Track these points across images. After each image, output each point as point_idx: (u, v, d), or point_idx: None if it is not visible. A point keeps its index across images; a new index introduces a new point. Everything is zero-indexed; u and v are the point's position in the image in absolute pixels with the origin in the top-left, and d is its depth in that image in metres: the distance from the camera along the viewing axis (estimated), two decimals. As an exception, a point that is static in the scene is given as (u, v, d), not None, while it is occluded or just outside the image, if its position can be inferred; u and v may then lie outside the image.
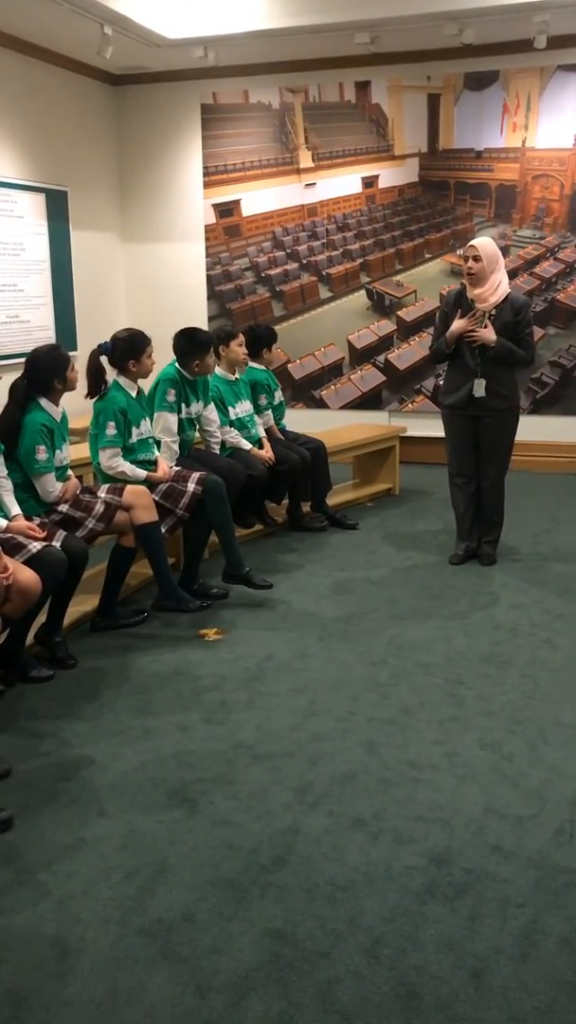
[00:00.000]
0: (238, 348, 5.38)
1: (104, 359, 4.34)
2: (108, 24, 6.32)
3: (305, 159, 7.90)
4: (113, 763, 3.08)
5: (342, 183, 7.87)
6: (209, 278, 8.28)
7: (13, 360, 6.61)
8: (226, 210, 8.16)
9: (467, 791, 2.88)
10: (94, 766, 3.06)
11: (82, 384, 4.15)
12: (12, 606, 3.23)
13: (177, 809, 2.80)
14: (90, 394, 4.31)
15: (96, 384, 4.29)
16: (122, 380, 4.39)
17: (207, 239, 8.24)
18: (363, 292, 7.98)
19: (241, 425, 5.44)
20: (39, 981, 2.10)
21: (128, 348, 4.36)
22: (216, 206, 8.17)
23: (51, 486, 3.89)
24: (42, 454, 3.82)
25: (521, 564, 5.16)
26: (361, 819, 2.74)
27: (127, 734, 3.28)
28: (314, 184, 7.93)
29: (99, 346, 4.34)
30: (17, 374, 3.98)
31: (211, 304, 8.31)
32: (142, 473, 4.37)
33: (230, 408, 5.37)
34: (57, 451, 3.91)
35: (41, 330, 7.24)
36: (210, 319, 8.25)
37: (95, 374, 4.28)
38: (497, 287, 4.78)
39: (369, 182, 7.81)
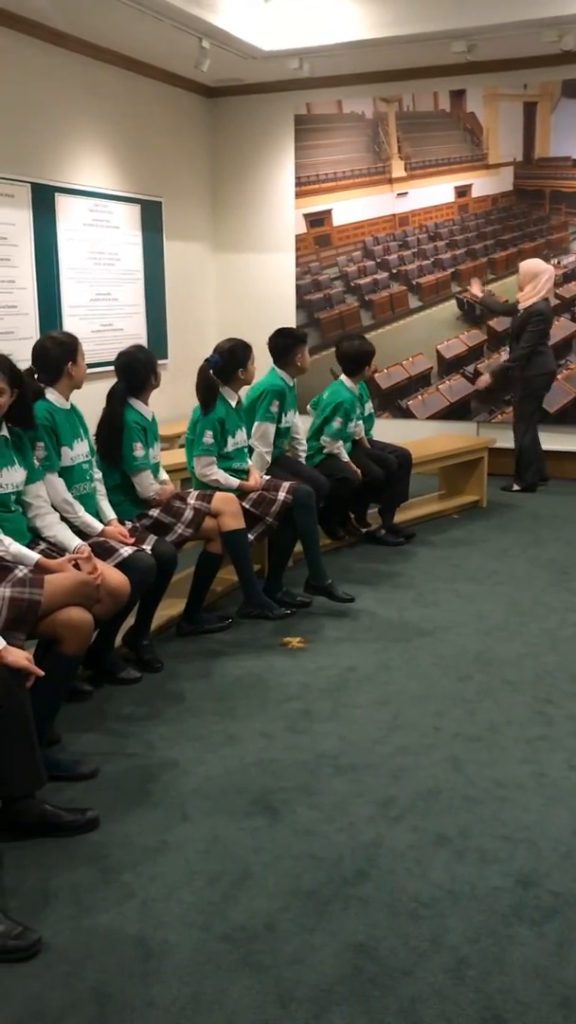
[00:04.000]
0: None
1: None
2: (206, 38, 6.42)
3: (397, 168, 7.88)
4: (197, 768, 3.10)
5: (434, 192, 7.82)
6: (298, 287, 8.32)
7: (107, 367, 6.74)
8: (317, 220, 8.19)
9: (555, 812, 2.81)
10: (178, 770, 3.09)
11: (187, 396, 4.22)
12: (102, 607, 3.28)
13: (260, 817, 2.80)
14: (203, 409, 4.35)
15: (210, 399, 4.34)
16: (224, 391, 4.44)
17: (297, 249, 8.28)
18: (453, 302, 7.91)
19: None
20: (123, 981, 2.12)
21: (233, 358, 4.43)
22: (307, 216, 8.21)
23: (149, 481, 3.98)
24: (139, 451, 3.92)
25: None
26: (446, 836, 2.69)
27: (211, 739, 3.30)
28: (406, 194, 7.90)
29: (207, 361, 4.39)
30: (110, 380, 4.06)
31: (300, 313, 8.35)
32: (235, 482, 4.41)
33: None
34: (150, 449, 3.99)
35: (133, 338, 7.37)
36: (298, 328, 8.28)
37: (208, 389, 4.34)
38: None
39: (462, 191, 7.75)
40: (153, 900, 2.42)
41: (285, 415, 4.91)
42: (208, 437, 4.32)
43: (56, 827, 2.68)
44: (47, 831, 2.68)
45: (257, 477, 4.54)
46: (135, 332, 7.46)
